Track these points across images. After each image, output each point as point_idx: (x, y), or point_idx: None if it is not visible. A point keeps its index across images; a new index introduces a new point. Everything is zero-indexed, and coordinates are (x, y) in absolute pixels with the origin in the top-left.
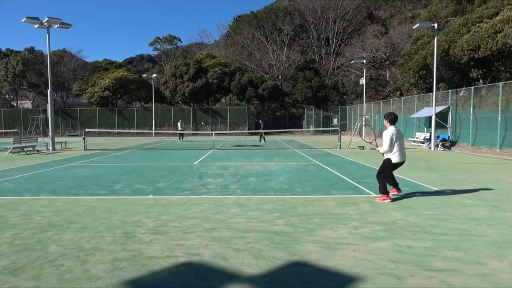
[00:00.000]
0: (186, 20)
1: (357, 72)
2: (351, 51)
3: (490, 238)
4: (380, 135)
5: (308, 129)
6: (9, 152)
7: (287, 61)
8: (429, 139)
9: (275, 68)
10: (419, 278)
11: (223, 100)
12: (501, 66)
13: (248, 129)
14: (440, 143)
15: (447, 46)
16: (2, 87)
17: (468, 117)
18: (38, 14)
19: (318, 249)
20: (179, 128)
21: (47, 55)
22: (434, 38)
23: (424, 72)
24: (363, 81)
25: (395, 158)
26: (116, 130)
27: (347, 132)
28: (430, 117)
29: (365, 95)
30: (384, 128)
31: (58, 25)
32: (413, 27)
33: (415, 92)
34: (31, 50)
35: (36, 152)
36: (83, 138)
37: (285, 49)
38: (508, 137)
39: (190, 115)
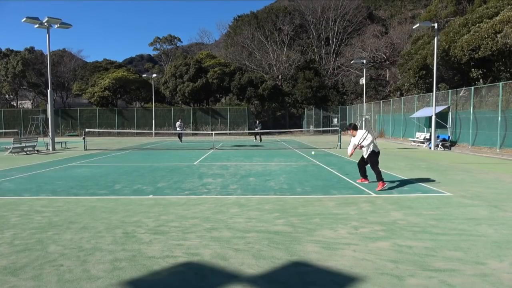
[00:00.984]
0: (186, 20)
1: (357, 72)
2: (351, 51)
3: (490, 238)
4: (381, 135)
5: (308, 129)
6: (9, 152)
7: (287, 61)
8: (429, 139)
9: (275, 68)
10: (419, 278)
11: (223, 100)
12: (501, 66)
13: (248, 129)
14: (440, 143)
15: (447, 46)
16: (2, 87)
17: (468, 117)
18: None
19: (318, 249)
20: (178, 128)
21: (47, 55)
22: (434, 38)
23: (424, 72)
24: (363, 81)
25: (376, 149)
26: (116, 130)
27: (347, 132)
28: (430, 117)
29: (365, 95)
30: (352, 136)
31: (58, 25)
32: (413, 27)
33: (415, 92)
34: (31, 50)
35: (36, 152)
36: (83, 138)
37: (285, 49)
38: (508, 137)
39: (190, 115)
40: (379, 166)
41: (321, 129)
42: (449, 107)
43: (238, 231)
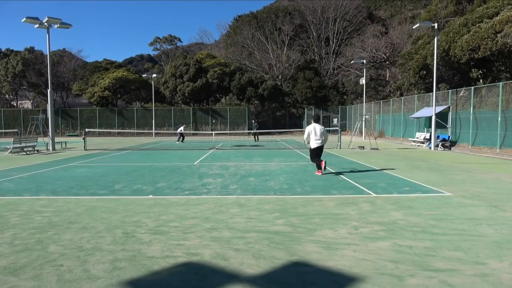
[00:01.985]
0: (186, 20)
1: (357, 72)
2: (351, 51)
3: (490, 238)
4: (381, 135)
5: None
6: (9, 152)
7: (287, 61)
8: (429, 139)
9: (275, 68)
10: (419, 278)
11: (223, 100)
12: (501, 66)
13: (248, 129)
14: (440, 143)
15: (447, 46)
16: (2, 87)
17: (468, 117)
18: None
19: (318, 249)
20: (179, 131)
21: (47, 55)
22: (434, 38)
23: (424, 72)
24: (363, 81)
25: (312, 145)
26: (116, 130)
27: (347, 132)
28: (430, 117)
29: (365, 95)
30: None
31: (58, 25)
32: (413, 27)
33: (415, 92)
34: (31, 50)
35: (36, 152)
36: (83, 138)
37: (285, 49)
38: (508, 137)
39: (190, 115)
40: (320, 159)
41: None
42: (449, 107)
43: (238, 231)
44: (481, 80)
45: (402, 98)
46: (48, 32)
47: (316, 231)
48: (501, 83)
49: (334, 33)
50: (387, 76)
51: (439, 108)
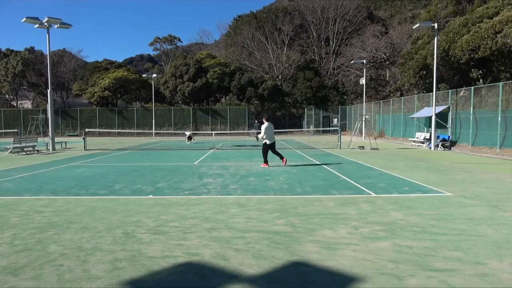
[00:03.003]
0: (186, 20)
1: (357, 72)
2: (351, 51)
3: (490, 238)
4: (381, 135)
5: (308, 129)
6: (9, 152)
7: (287, 61)
8: (429, 139)
9: (275, 68)
10: (419, 278)
11: (223, 100)
12: (501, 66)
13: (248, 129)
14: (440, 143)
15: (447, 46)
16: (2, 87)
17: (468, 117)
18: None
19: (318, 249)
20: (186, 133)
21: (47, 55)
22: (434, 38)
23: (424, 72)
24: (363, 81)
25: (269, 141)
26: (116, 130)
27: (347, 132)
28: (430, 117)
29: (365, 95)
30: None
31: (58, 25)
32: (413, 27)
33: (415, 92)
34: (31, 50)
35: (36, 152)
36: (83, 138)
37: (285, 49)
38: (508, 137)
39: (190, 115)
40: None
41: (321, 129)
42: (449, 107)
43: (238, 231)
44: (481, 80)
45: (402, 98)
46: (48, 32)
47: (316, 231)
48: (501, 83)
49: (334, 33)
50: (387, 76)
51: (439, 108)
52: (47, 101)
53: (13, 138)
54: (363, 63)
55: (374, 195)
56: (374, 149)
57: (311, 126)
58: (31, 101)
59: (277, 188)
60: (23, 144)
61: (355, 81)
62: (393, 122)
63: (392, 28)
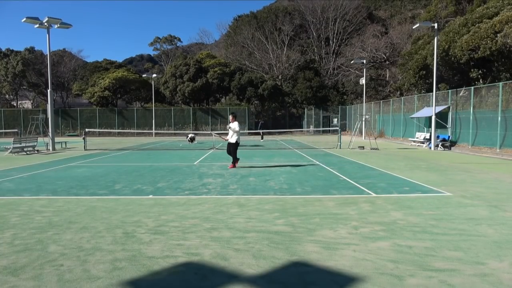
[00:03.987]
0: (186, 20)
1: (357, 72)
2: (351, 51)
3: (490, 238)
4: (381, 135)
5: (308, 129)
6: (9, 152)
7: (287, 61)
8: (429, 139)
9: (275, 68)
10: (419, 278)
11: (223, 100)
12: (501, 66)
13: (248, 129)
14: (440, 143)
15: (447, 46)
16: (2, 87)
17: (468, 117)
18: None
19: (318, 249)
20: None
21: (47, 55)
22: (434, 38)
23: (424, 72)
24: (363, 81)
25: (239, 140)
26: (116, 130)
27: (347, 132)
28: (430, 117)
29: (365, 95)
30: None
31: (58, 25)
32: (413, 27)
33: (415, 92)
34: (31, 50)
35: (36, 152)
36: (83, 138)
37: (285, 49)
38: (508, 137)
39: (190, 115)
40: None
41: (321, 129)
42: (449, 107)
43: (238, 231)
44: (481, 80)
45: (402, 98)
46: (48, 32)
47: (316, 231)
48: (501, 83)
49: (334, 33)
50: (387, 76)
51: (439, 108)
52: (47, 101)
53: (13, 138)
54: (363, 63)
55: (374, 195)
56: (374, 149)
57: (311, 126)
58: (31, 101)
59: (277, 188)
60: (23, 144)
61: (355, 81)
62: (393, 122)
63: (392, 28)
